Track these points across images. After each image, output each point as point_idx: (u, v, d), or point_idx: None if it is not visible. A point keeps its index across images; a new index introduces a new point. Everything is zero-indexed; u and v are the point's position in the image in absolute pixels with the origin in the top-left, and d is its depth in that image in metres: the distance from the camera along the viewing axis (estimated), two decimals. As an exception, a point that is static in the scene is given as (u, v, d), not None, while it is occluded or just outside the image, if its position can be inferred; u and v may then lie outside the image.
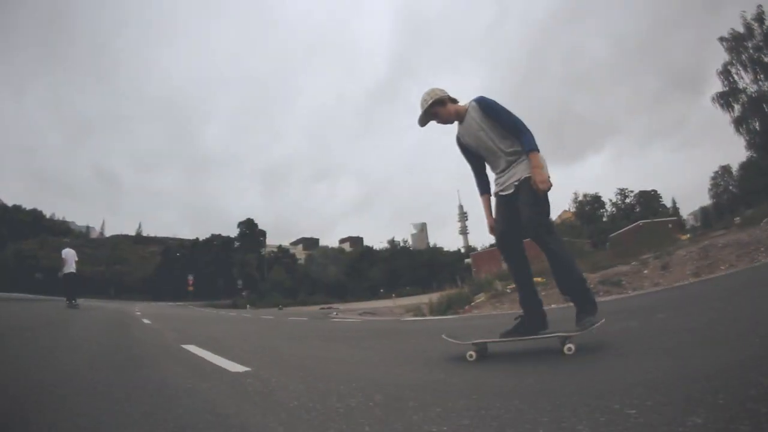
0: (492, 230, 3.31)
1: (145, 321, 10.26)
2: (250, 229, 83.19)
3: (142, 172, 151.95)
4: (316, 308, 33.92)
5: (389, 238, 78.08)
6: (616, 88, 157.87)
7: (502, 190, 3.18)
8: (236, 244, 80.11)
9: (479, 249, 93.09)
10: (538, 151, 3.00)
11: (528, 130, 3.06)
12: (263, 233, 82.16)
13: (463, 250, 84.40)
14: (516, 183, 3.05)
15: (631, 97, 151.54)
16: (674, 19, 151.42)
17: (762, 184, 36.65)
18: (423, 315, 12.36)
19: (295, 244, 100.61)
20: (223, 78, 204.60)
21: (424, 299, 15.12)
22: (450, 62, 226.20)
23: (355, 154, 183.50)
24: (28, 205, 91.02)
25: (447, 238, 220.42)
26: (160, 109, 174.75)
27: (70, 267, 14.04)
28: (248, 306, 45.62)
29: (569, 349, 2.65)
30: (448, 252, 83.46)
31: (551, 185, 2.94)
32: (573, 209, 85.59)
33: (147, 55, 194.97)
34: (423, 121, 3.31)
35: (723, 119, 34.64)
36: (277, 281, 62.82)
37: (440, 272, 76.60)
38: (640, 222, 51.59)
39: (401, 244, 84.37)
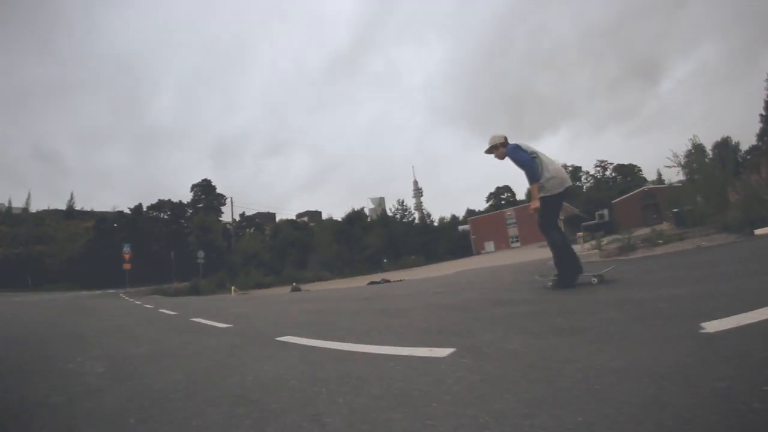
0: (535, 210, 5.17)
1: None
2: (207, 193, 68.26)
3: (82, 146, 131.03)
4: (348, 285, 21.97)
5: (348, 212, 63.67)
6: (576, 71, 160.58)
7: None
8: (189, 212, 64.99)
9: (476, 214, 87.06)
10: (534, 182, 5.06)
11: (529, 168, 5.11)
12: (222, 197, 67.15)
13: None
14: None
15: (590, 81, 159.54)
16: (641, 7, 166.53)
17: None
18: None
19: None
20: (173, 42, 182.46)
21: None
22: (415, 33, 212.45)
23: (311, 127, 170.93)
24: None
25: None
26: (103, 75, 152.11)
27: None
28: (234, 290, 27.51)
29: (593, 281, 4.92)
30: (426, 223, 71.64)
31: (537, 206, 5.03)
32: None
33: (91, 15, 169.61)
34: (488, 151, 5.47)
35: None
36: (250, 253, 47.95)
37: (434, 240, 65.98)
38: (645, 187, 60.47)
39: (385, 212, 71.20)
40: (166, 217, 63.59)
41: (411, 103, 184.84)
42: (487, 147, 5.38)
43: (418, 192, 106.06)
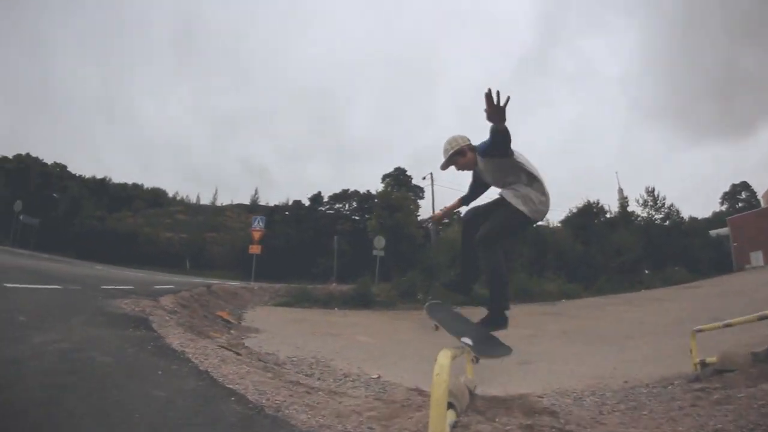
0: (432, 217, 4.67)
1: None
2: (400, 185, 52.44)
3: (286, 163, 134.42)
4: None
5: (581, 205, 43.45)
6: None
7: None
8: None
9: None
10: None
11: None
12: (420, 189, 50.47)
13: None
14: (499, 195, 3.29)
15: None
16: None
17: None
18: None
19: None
20: (362, 62, 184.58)
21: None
22: (600, 20, 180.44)
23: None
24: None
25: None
26: (299, 100, 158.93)
27: None
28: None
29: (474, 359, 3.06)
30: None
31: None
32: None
33: (280, 48, 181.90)
34: (444, 166, 3.44)
35: None
36: (459, 250, 28.16)
37: (691, 247, 41.73)
38: None
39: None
40: (350, 208, 50.08)
41: (609, 101, 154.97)
42: (444, 159, 3.39)
43: (624, 200, 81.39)
